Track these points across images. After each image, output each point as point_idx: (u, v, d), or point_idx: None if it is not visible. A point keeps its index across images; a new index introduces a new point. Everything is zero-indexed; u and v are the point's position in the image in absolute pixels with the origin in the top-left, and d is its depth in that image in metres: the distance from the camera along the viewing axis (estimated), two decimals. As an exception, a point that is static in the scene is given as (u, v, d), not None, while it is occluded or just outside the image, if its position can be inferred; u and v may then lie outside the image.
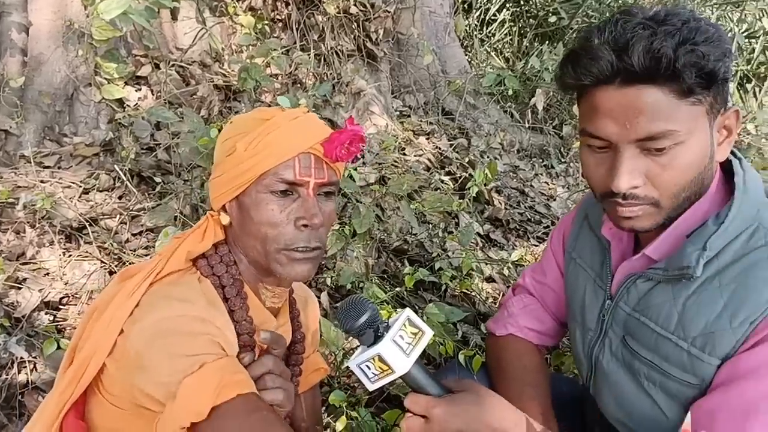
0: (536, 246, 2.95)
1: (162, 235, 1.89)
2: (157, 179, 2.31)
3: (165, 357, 0.90)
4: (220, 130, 1.99)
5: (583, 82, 0.91)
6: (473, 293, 2.36)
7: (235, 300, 1.04)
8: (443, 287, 2.33)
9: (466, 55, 4.44)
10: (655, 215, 0.95)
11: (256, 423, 0.86)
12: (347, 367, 1.84)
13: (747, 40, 5.70)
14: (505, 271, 2.56)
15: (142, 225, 2.15)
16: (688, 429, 0.55)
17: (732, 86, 5.66)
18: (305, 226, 1.01)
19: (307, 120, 1.06)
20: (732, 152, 1.00)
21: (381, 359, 0.88)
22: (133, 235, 2.14)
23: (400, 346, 0.89)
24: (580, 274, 1.21)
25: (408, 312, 0.94)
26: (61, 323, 1.84)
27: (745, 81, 5.67)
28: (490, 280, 2.52)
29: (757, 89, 5.59)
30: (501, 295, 2.40)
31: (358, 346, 0.95)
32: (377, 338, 0.90)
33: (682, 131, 0.87)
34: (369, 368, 0.90)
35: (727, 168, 1.01)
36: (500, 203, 3.19)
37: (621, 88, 0.87)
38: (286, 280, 1.10)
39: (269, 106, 2.87)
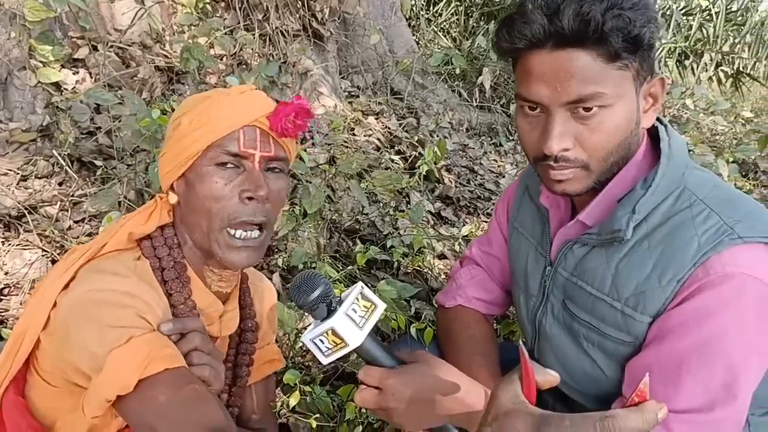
0: (485, 222, 2.99)
1: (105, 220, 1.83)
2: (99, 164, 2.24)
3: (92, 327, 0.89)
4: (163, 112, 1.94)
5: (517, 45, 0.94)
6: (425, 270, 2.38)
7: (173, 283, 1.02)
8: (395, 265, 2.34)
9: (413, 35, 4.44)
10: (585, 178, 0.98)
11: (185, 395, 0.86)
12: (301, 347, 1.84)
13: (684, 18, 5.87)
14: (456, 247, 2.60)
15: (84, 211, 2.08)
16: (644, 388, 0.56)
17: (671, 62, 5.84)
18: (250, 198, 1.00)
19: (253, 95, 1.05)
20: (658, 119, 1.05)
21: (334, 333, 0.88)
22: (75, 222, 2.07)
23: (353, 320, 0.89)
24: (523, 242, 1.25)
25: (360, 286, 0.94)
26: (2, 313, 1.78)
27: (683, 57, 5.85)
28: (442, 256, 2.55)
29: (694, 65, 5.78)
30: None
31: (311, 323, 0.94)
32: (330, 312, 0.89)
33: (609, 94, 0.91)
34: (323, 342, 0.89)
35: (653, 134, 1.05)
36: (450, 181, 3.22)
37: (553, 52, 0.91)
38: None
39: (215, 87, 2.82)
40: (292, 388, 1.59)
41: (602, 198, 1.03)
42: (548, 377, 0.63)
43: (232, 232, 1.01)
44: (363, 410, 1.55)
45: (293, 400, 1.49)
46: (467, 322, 1.32)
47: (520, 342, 0.66)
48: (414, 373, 0.92)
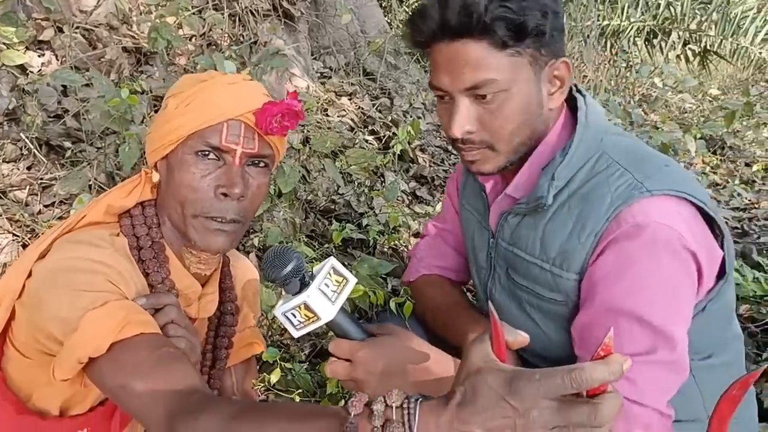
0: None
1: (76, 203, 1.82)
2: (68, 146, 2.21)
3: (65, 292, 0.89)
4: (131, 92, 1.92)
5: (419, 39, 1.02)
6: (401, 248, 2.40)
7: (150, 263, 1.02)
8: (371, 243, 2.36)
9: (384, 15, 4.42)
10: (494, 158, 1.06)
11: (159, 355, 0.85)
12: (280, 325, 1.85)
13: (653, -3, 5.92)
14: (431, 225, 2.61)
15: (54, 195, 2.06)
16: (609, 342, 0.59)
17: (639, 41, 5.90)
18: (225, 195, 0.99)
19: (244, 87, 1.03)
20: (578, 90, 1.11)
21: (307, 307, 0.89)
22: (46, 206, 2.05)
23: (326, 294, 0.90)
24: (470, 217, 1.31)
25: (332, 260, 0.95)
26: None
27: (651, 36, 5.91)
28: (417, 234, 2.57)
29: (662, 44, 5.84)
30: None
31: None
32: (303, 287, 0.90)
33: (502, 80, 0.97)
34: (295, 316, 0.90)
35: (573, 106, 1.11)
36: (424, 161, 3.24)
37: (449, 44, 0.98)
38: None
39: (184, 68, 2.78)
40: (272, 366, 1.60)
41: (526, 170, 1.09)
42: (518, 337, 0.65)
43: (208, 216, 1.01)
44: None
45: (274, 378, 1.51)
46: (436, 284, 1.38)
47: (490, 303, 0.68)
48: (384, 345, 0.95)
